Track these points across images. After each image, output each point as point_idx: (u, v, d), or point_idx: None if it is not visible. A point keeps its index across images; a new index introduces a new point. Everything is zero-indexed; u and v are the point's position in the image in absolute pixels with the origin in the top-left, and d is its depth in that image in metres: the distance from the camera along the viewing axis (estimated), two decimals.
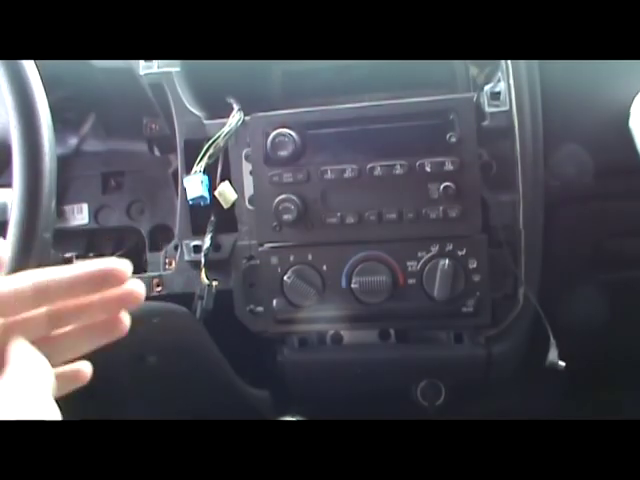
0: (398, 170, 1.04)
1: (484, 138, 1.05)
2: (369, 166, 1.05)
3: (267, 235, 1.10)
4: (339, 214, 1.06)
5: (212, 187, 1.10)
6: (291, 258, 1.09)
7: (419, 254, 1.06)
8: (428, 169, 1.03)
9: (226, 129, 1.09)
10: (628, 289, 1.21)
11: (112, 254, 1.22)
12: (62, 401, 0.64)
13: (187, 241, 1.15)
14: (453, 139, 1.03)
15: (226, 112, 1.12)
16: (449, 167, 1.03)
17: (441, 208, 1.04)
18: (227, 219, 1.14)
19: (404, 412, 1.25)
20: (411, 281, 1.07)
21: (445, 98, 1.05)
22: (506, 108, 1.06)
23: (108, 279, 0.59)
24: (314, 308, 1.08)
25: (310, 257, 1.08)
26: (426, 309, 1.07)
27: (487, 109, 1.06)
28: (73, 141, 1.31)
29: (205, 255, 1.12)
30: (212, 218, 1.14)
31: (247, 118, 1.10)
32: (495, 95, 1.06)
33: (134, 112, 1.20)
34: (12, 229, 0.76)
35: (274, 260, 1.10)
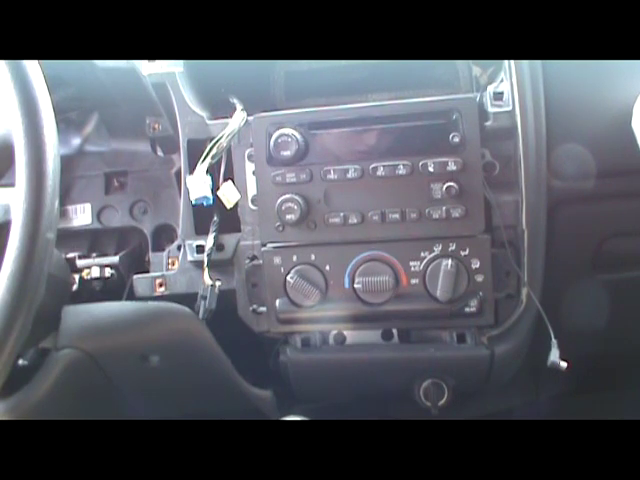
0: (401, 170, 1.04)
1: (487, 138, 1.05)
2: (372, 166, 1.05)
3: (270, 235, 1.10)
4: (342, 214, 1.06)
5: (215, 187, 1.10)
6: (294, 258, 1.09)
7: (422, 254, 1.06)
8: (431, 169, 1.03)
9: (229, 129, 1.09)
10: (630, 289, 1.21)
11: (115, 254, 1.23)
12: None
13: (190, 241, 1.15)
14: (456, 139, 1.03)
15: (229, 112, 1.12)
16: (452, 167, 1.03)
17: (444, 208, 1.04)
18: (230, 219, 1.14)
19: (407, 412, 1.25)
20: (414, 281, 1.07)
21: (448, 98, 1.05)
22: (509, 108, 1.06)
23: None
24: (317, 308, 1.08)
25: (313, 257, 1.09)
26: (429, 309, 1.07)
27: (490, 109, 1.06)
28: (76, 141, 1.31)
29: (208, 255, 1.12)
30: (215, 218, 1.14)
31: (250, 118, 1.10)
32: (498, 95, 1.06)
33: (137, 112, 1.20)
34: (15, 229, 0.76)
35: (277, 260, 1.10)
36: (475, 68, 1.17)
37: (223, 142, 1.09)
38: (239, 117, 1.10)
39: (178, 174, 1.21)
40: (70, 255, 1.20)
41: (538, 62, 1.07)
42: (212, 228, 1.13)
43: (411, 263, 1.07)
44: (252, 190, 1.12)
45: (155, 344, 1.11)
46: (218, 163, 1.10)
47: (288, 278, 1.08)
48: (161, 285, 1.17)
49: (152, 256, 1.22)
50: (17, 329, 0.76)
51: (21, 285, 0.75)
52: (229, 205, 1.12)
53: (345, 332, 1.15)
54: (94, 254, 1.24)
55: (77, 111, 1.30)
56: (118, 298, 1.19)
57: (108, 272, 1.20)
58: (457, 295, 1.05)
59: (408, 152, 1.04)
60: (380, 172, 1.05)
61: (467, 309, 1.06)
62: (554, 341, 1.07)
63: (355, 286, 1.07)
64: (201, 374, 1.16)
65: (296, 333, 1.14)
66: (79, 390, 1.09)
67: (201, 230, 1.15)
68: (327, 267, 1.08)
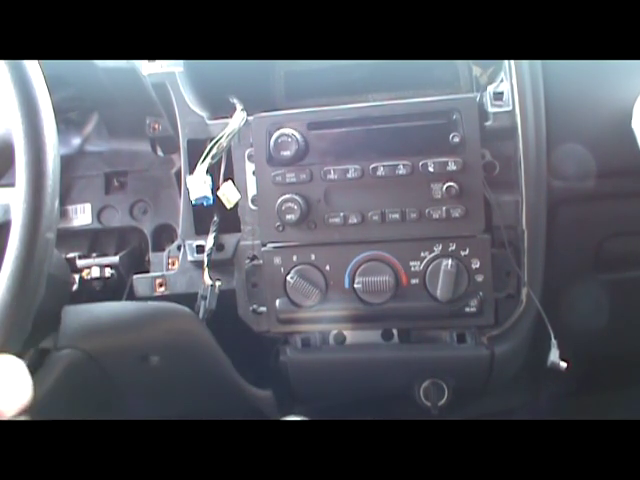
0: (401, 170, 1.04)
1: (487, 138, 1.05)
2: (372, 166, 1.05)
3: (270, 235, 1.10)
4: (342, 214, 1.06)
5: (215, 187, 1.10)
6: (294, 258, 1.09)
7: (422, 254, 1.06)
8: (431, 169, 1.03)
9: (229, 129, 1.09)
10: (630, 289, 1.21)
11: (115, 254, 1.23)
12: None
13: (190, 241, 1.15)
14: (456, 139, 1.03)
15: (229, 112, 1.12)
16: (452, 167, 1.03)
17: (444, 208, 1.04)
18: (230, 219, 1.14)
19: (407, 412, 1.25)
20: (414, 281, 1.07)
21: (448, 98, 1.05)
22: (509, 108, 1.06)
23: None
24: (317, 308, 1.09)
25: (313, 257, 1.09)
26: (429, 309, 1.07)
27: (490, 109, 1.06)
28: (76, 141, 1.31)
29: (208, 255, 1.12)
30: (215, 218, 1.14)
31: (250, 118, 1.10)
32: (498, 95, 1.06)
33: (137, 112, 1.20)
34: (15, 229, 0.76)
35: (277, 260, 1.10)
36: (475, 68, 1.17)
37: (223, 142, 1.09)
38: (239, 117, 1.10)
39: (178, 174, 1.21)
40: (70, 255, 1.20)
41: (538, 62, 1.07)
42: (212, 228, 1.13)
43: (411, 263, 1.07)
44: (252, 190, 1.12)
45: (155, 344, 1.11)
46: (218, 163, 1.10)
47: (288, 278, 1.08)
48: (161, 285, 1.17)
49: (152, 256, 1.23)
50: (17, 329, 0.76)
51: (21, 285, 0.75)
52: (229, 205, 1.12)
53: (345, 332, 1.15)
54: (94, 254, 1.24)
55: (77, 111, 1.30)
56: (118, 298, 1.19)
57: (108, 272, 1.20)
58: (457, 295, 1.05)
59: (408, 152, 1.04)
60: (380, 172, 1.05)
61: (467, 309, 1.06)
62: (554, 341, 1.07)
63: (355, 286, 1.07)
64: (201, 374, 1.16)
65: (296, 333, 1.14)
66: (79, 390, 1.09)
67: (201, 230, 1.15)
68: (327, 267, 1.08)
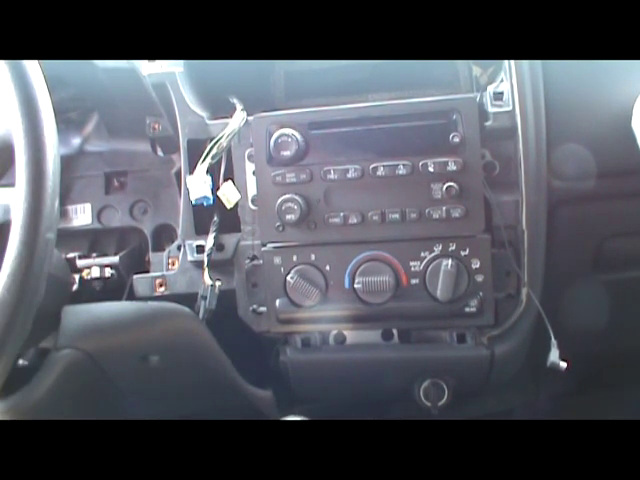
0: (401, 170, 1.04)
1: (487, 138, 1.05)
2: (372, 166, 1.05)
3: (270, 235, 1.10)
4: (342, 214, 1.06)
5: (215, 187, 1.10)
6: (294, 258, 1.09)
7: (422, 254, 1.06)
8: (431, 169, 1.03)
9: (229, 129, 1.09)
10: (630, 289, 1.21)
11: (115, 254, 1.23)
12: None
13: (190, 241, 1.15)
14: (456, 139, 1.03)
15: (229, 112, 1.12)
16: (452, 167, 1.03)
17: (444, 208, 1.04)
18: (230, 219, 1.14)
19: (407, 412, 1.25)
20: (414, 281, 1.07)
21: (448, 98, 1.05)
22: (509, 108, 1.06)
23: None
24: (317, 308, 1.08)
25: (313, 257, 1.09)
26: (429, 309, 1.07)
27: (490, 109, 1.06)
28: (76, 141, 1.31)
29: (208, 255, 1.12)
30: (215, 218, 1.14)
31: (250, 118, 1.10)
32: (498, 95, 1.06)
33: (137, 112, 1.20)
34: (15, 229, 0.76)
35: (277, 260, 1.10)
36: (475, 68, 1.17)
37: (223, 142, 1.09)
38: (239, 117, 1.10)
39: (178, 174, 1.21)
40: (70, 255, 1.20)
41: (538, 62, 1.07)
42: (212, 228, 1.13)
43: (411, 263, 1.07)
44: (252, 190, 1.12)
45: (155, 344, 1.11)
46: (218, 163, 1.10)
47: (288, 278, 1.08)
48: (161, 285, 1.17)
49: (152, 256, 1.23)
50: (17, 329, 0.76)
51: (21, 285, 0.75)
52: (229, 205, 1.12)
53: (345, 332, 1.15)
54: (94, 254, 1.24)
55: (77, 111, 1.30)
56: (118, 298, 1.19)
57: (108, 272, 1.20)
58: (457, 295, 1.05)
59: (408, 152, 1.04)
60: (380, 172, 1.05)
61: (467, 309, 1.06)
62: (554, 341, 1.07)
63: (355, 286, 1.07)
64: (201, 374, 1.16)
65: (296, 333, 1.14)
66: (79, 390, 1.09)
67: (201, 230, 1.15)
68: (327, 267, 1.08)
